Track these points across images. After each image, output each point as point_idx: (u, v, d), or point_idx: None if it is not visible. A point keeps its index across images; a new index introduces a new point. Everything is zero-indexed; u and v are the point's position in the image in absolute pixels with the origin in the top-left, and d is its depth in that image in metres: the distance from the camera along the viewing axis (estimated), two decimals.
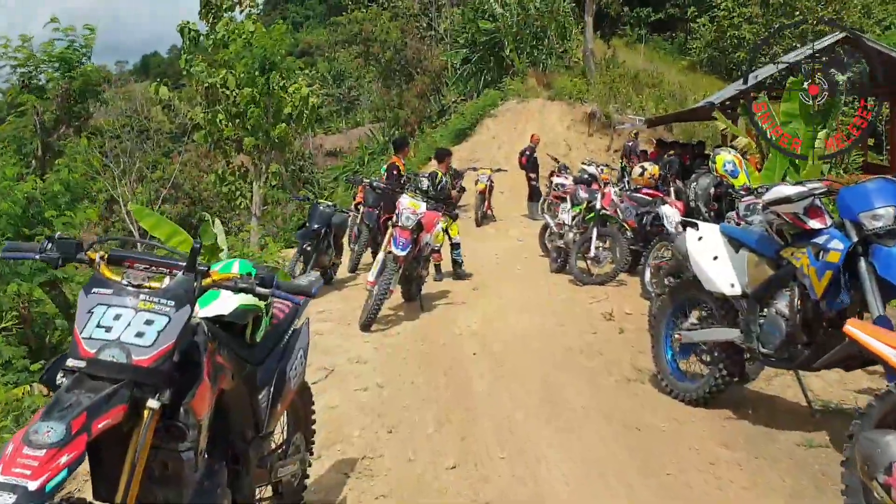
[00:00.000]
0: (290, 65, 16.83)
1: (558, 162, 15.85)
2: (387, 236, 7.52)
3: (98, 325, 2.10)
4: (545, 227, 11.36)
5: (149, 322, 2.11)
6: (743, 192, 6.00)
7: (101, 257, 2.32)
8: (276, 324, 2.92)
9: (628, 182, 11.48)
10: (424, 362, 6.04)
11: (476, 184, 15.15)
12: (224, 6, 17.70)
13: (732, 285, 4.34)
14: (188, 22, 18.16)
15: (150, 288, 2.22)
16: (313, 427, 3.43)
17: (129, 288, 2.20)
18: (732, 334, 4.34)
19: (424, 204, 7.68)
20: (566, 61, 26.31)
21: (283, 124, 18.28)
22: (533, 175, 16.01)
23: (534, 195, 15.92)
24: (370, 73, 30.43)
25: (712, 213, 5.80)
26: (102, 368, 2.04)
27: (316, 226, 9.10)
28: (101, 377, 2.03)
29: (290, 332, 2.98)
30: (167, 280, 2.29)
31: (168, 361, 2.10)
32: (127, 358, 2.05)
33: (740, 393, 4.76)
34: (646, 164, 9.43)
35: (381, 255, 7.43)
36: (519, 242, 12.73)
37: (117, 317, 2.12)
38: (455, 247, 9.64)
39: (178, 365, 2.14)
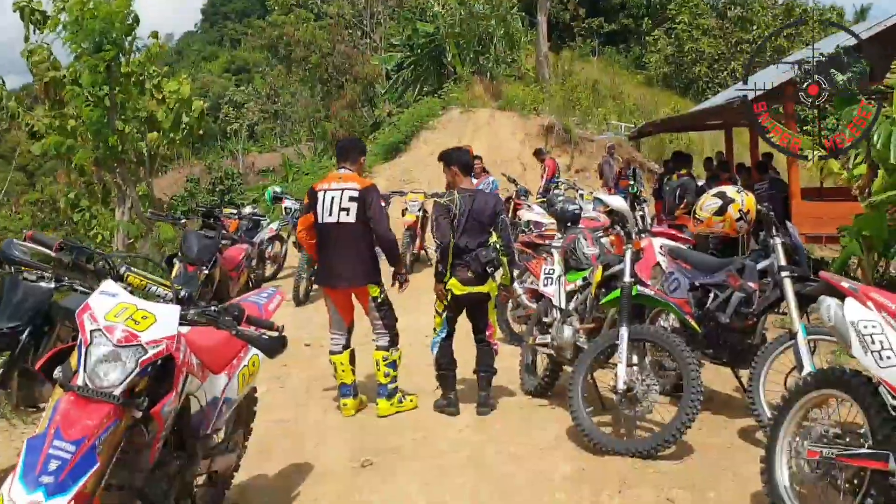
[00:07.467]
0: (151, 50, 11.23)
1: (516, 184, 10.77)
2: (42, 424, 2.18)
3: None
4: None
5: None
6: None
7: None
8: None
9: (647, 222, 6.28)
10: None
11: (403, 214, 9.88)
12: None
13: None
14: (30, 0, 12.43)
15: None
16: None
17: None
18: None
19: (173, 309, 2.36)
20: (515, 71, 21.34)
21: (155, 133, 12.69)
22: None
23: None
24: (294, 84, 24.85)
25: None
26: None
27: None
28: None
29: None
30: None
31: None
32: None
33: None
34: (727, 189, 4.18)
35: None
36: None
37: None
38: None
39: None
